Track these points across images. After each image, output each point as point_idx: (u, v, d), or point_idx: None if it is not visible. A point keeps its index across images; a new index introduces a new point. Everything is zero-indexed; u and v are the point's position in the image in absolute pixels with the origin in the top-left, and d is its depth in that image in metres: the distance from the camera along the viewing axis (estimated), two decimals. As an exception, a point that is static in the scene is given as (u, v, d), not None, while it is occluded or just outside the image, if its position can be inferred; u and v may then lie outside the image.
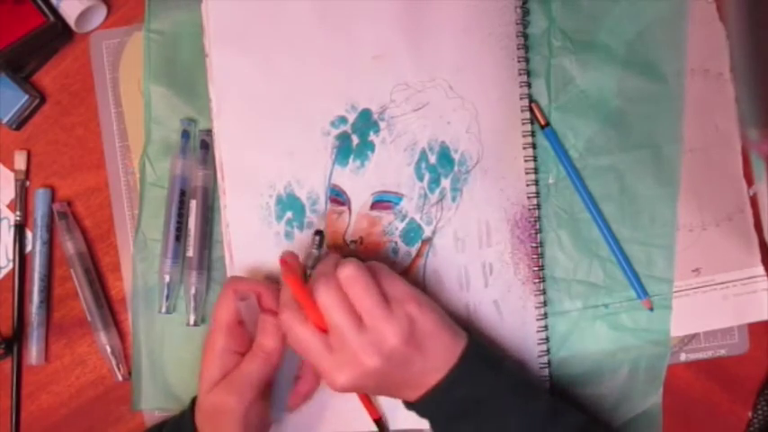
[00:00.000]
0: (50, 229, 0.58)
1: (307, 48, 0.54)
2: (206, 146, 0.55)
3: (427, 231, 0.54)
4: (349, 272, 0.44)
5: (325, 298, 0.44)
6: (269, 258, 0.53)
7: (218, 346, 0.48)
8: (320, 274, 0.46)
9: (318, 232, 0.50)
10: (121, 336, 0.57)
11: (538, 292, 0.54)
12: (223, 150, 0.54)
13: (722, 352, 0.56)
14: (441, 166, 0.54)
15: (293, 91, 0.54)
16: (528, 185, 0.54)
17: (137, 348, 0.56)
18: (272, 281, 0.53)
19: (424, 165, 0.54)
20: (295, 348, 0.46)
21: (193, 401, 0.50)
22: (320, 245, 0.49)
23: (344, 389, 0.45)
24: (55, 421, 0.58)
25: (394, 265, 0.54)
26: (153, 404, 0.56)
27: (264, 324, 0.48)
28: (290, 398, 0.50)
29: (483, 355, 0.47)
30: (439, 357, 0.45)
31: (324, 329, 0.45)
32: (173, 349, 0.56)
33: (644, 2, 0.54)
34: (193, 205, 0.55)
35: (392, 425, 0.54)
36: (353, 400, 0.53)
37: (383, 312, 0.44)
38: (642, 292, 0.54)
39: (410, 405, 0.48)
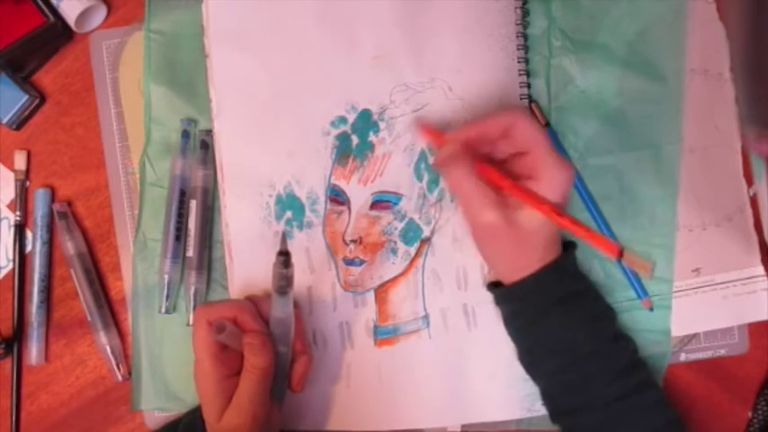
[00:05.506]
0: (50, 229, 0.58)
1: (307, 48, 0.54)
2: (206, 146, 0.55)
3: (426, 231, 0.54)
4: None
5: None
6: (269, 258, 0.53)
7: (211, 377, 0.47)
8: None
9: (283, 253, 0.47)
10: (121, 336, 0.57)
11: (538, 292, 0.54)
12: (223, 150, 0.54)
13: (722, 352, 0.56)
14: (440, 166, 0.54)
15: (293, 91, 0.54)
16: (528, 185, 0.54)
17: (137, 348, 0.56)
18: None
19: (423, 165, 0.54)
20: (459, 194, 0.49)
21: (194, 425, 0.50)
22: (286, 265, 0.47)
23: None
24: (55, 421, 0.58)
25: (393, 266, 0.54)
26: (153, 404, 0.56)
27: (252, 345, 0.47)
28: (293, 383, 0.50)
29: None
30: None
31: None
32: (173, 349, 0.56)
33: (644, 2, 0.54)
34: (193, 205, 0.55)
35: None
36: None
37: None
38: (642, 292, 0.54)
39: (502, 289, 0.50)
